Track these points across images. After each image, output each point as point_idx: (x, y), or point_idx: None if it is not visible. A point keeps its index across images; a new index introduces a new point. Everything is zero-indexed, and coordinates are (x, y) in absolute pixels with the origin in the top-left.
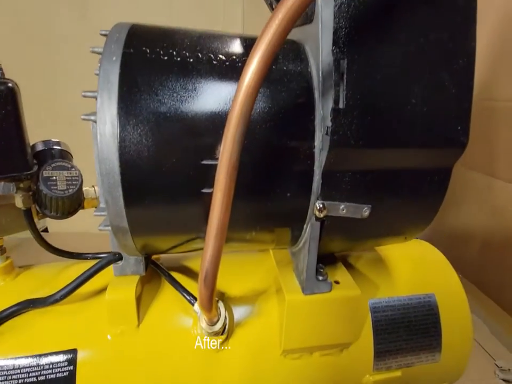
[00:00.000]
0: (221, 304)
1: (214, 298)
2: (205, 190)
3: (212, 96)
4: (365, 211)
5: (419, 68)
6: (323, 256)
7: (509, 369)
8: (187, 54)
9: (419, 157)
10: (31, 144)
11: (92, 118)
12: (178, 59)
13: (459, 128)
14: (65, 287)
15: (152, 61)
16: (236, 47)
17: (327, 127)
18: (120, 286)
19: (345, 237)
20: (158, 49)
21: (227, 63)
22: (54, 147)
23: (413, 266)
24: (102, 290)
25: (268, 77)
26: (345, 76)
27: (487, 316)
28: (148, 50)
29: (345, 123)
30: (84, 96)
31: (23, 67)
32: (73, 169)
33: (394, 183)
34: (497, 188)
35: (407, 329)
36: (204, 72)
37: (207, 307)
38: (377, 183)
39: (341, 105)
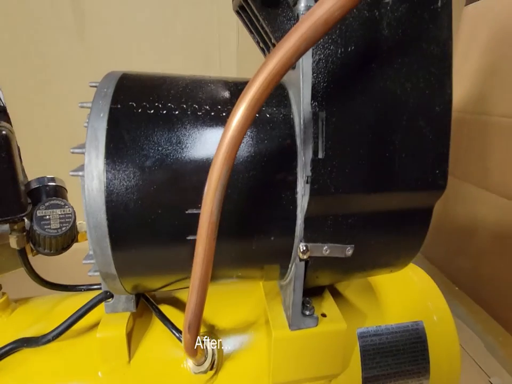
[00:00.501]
0: (208, 344)
1: (198, 343)
2: (190, 237)
3: (195, 148)
4: (348, 250)
5: (397, 117)
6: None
7: None
8: (172, 106)
9: (399, 200)
10: (26, 182)
11: (80, 173)
12: (164, 112)
13: (437, 172)
14: (57, 328)
15: (138, 115)
16: (222, 95)
17: (308, 176)
18: (111, 323)
19: (330, 273)
20: (144, 103)
21: (212, 114)
22: (49, 183)
23: (402, 293)
24: (94, 325)
25: (251, 126)
26: (324, 128)
27: (483, 330)
28: (135, 105)
29: (325, 172)
30: (73, 153)
31: (21, 90)
32: (67, 206)
33: (376, 224)
34: (491, 201)
35: (395, 358)
36: (188, 124)
37: (191, 353)
38: (359, 225)
39: (320, 156)
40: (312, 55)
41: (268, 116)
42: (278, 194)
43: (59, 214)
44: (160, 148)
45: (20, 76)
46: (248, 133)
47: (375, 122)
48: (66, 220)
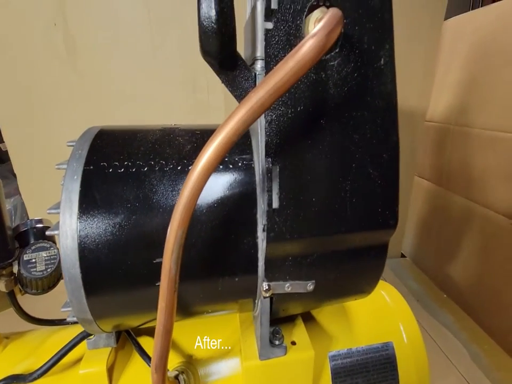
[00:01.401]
0: (181, 378)
1: (166, 382)
2: (158, 284)
3: (161, 202)
4: (310, 286)
5: (346, 166)
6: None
7: None
8: (141, 163)
9: (354, 240)
10: (13, 226)
11: (56, 232)
12: (133, 170)
13: (387, 212)
14: (42, 366)
15: (109, 175)
16: (188, 148)
17: (264, 225)
18: (92, 359)
19: (296, 306)
20: (115, 163)
21: (178, 168)
22: (36, 226)
23: (374, 314)
24: (79, 360)
25: (215, 174)
26: (278, 180)
27: (468, 339)
28: (106, 165)
29: (280, 221)
30: (49, 213)
31: (14, 120)
32: (52, 248)
33: (334, 261)
34: (475, 211)
35: (365, 379)
36: (154, 180)
37: None
38: (318, 263)
39: (275, 206)
40: (265, 116)
41: (230, 166)
42: (240, 240)
43: (44, 256)
44: (129, 205)
45: (12, 105)
46: (211, 183)
47: (326, 172)
48: (52, 261)
